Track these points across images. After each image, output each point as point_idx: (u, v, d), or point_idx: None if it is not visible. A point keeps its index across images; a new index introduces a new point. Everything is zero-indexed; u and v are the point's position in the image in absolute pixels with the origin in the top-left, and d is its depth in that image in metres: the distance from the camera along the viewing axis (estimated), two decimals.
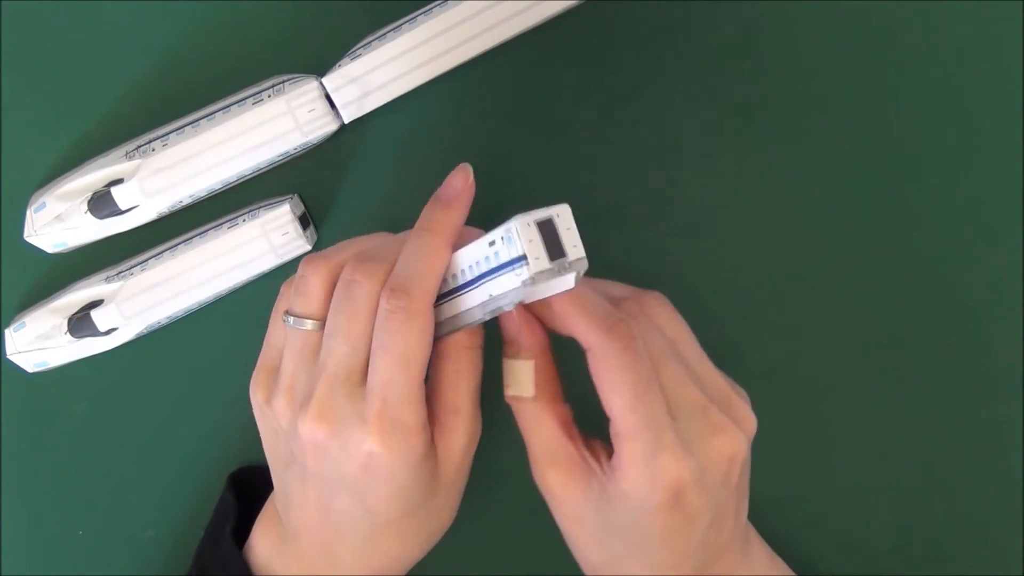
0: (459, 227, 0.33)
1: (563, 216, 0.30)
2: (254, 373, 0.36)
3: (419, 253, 0.32)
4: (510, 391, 0.34)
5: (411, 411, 0.32)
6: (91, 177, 0.41)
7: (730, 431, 0.32)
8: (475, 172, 0.42)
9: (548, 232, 0.30)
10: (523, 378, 0.33)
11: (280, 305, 0.36)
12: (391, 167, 0.42)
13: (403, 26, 0.39)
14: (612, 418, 0.32)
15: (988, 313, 0.41)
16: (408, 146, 0.42)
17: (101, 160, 0.41)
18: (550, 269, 0.29)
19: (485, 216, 0.42)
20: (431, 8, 0.39)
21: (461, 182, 0.34)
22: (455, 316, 0.33)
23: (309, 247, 0.41)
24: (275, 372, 0.36)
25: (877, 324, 0.41)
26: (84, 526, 0.44)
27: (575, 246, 0.30)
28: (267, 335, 0.37)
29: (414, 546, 0.37)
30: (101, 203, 0.41)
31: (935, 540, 0.41)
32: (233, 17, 0.42)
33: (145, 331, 0.42)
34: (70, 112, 0.42)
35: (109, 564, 0.43)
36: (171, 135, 0.40)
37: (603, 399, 0.32)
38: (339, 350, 0.33)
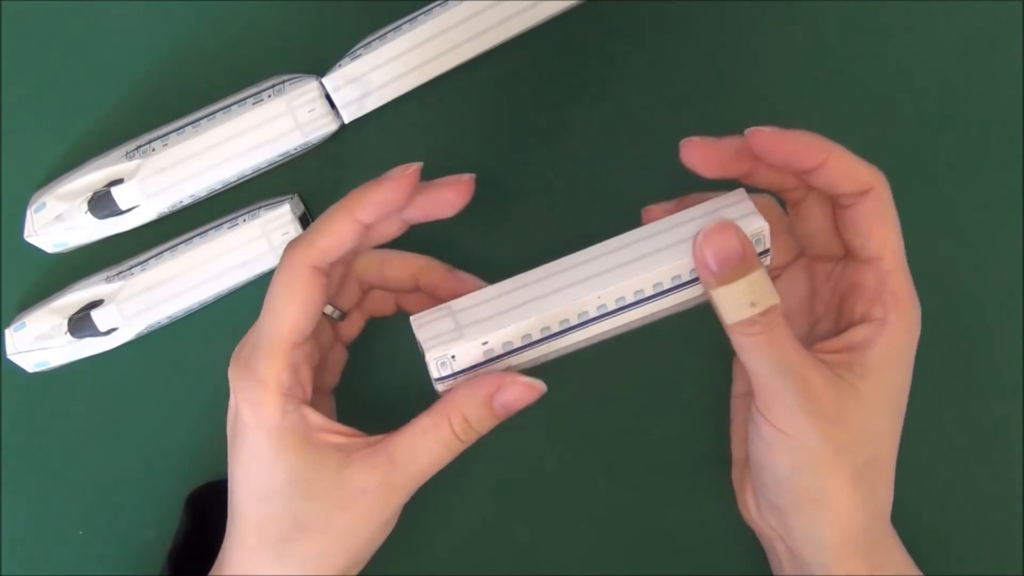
0: (376, 210, 0.32)
1: (428, 356, 0.32)
2: None
3: (323, 217, 0.32)
4: (757, 306, 0.30)
5: (267, 364, 0.31)
6: (91, 177, 0.41)
7: None
8: (473, 172, 0.42)
9: (421, 353, 0.32)
10: (767, 285, 0.30)
11: None
12: (391, 167, 0.42)
13: (403, 26, 0.39)
14: (886, 256, 0.32)
15: (988, 313, 0.41)
16: (408, 146, 0.42)
17: (101, 160, 0.41)
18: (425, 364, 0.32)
19: (485, 215, 0.42)
20: (431, 8, 0.39)
21: (399, 172, 0.33)
22: (618, 328, 0.33)
23: None
24: None
25: None
26: (84, 526, 0.44)
27: (435, 379, 0.32)
28: None
29: (270, 559, 0.33)
30: (101, 203, 0.41)
31: (935, 540, 0.41)
32: (233, 17, 0.42)
33: (145, 331, 0.42)
34: (70, 112, 0.42)
35: (109, 564, 0.43)
36: (171, 135, 0.40)
37: (880, 238, 0.32)
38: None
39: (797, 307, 0.36)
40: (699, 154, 0.33)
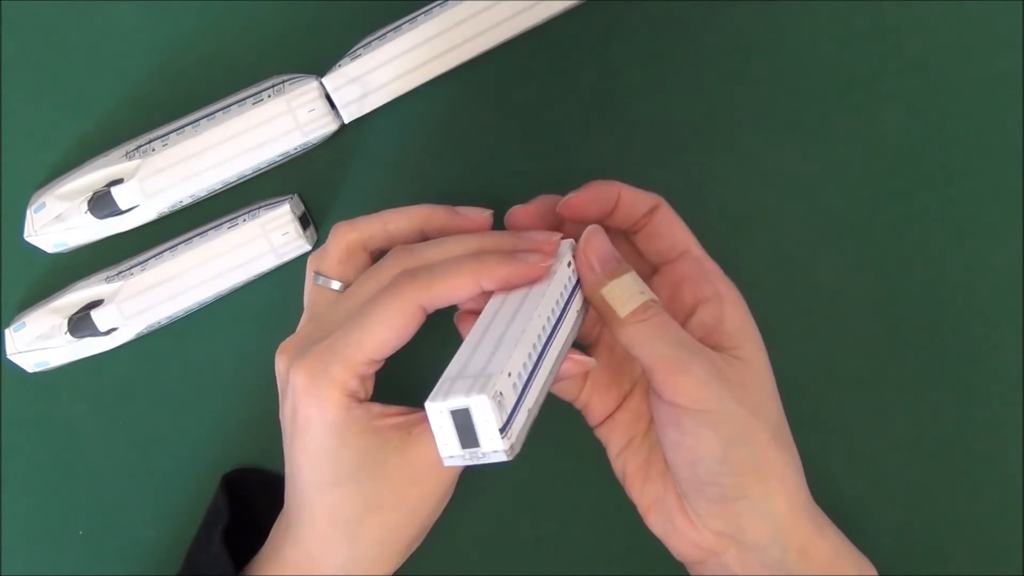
0: (501, 283, 0.33)
1: (479, 408, 0.28)
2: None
3: (450, 269, 0.33)
4: (646, 294, 0.33)
5: (343, 370, 0.33)
6: (91, 177, 0.41)
7: None
8: (474, 172, 0.42)
9: (463, 420, 0.28)
10: (633, 287, 0.33)
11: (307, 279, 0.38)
12: (391, 167, 0.42)
13: (403, 26, 0.39)
14: (690, 248, 0.36)
15: (988, 313, 0.41)
16: (408, 146, 0.42)
17: (101, 160, 0.41)
18: (462, 455, 0.28)
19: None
20: (431, 8, 0.39)
21: (537, 259, 0.33)
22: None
23: (309, 247, 0.41)
24: None
25: (877, 324, 0.41)
26: (84, 526, 0.44)
27: (491, 439, 0.28)
28: None
29: (345, 540, 0.34)
30: (101, 203, 0.41)
31: (935, 540, 0.41)
32: (233, 17, 0.42)
33: (145, 331, 0.42)
34: (70, 112, 0.42)
35: (109, 564, 0.43)
36: (171, 135, 0.40)
37: (678, 237, 0.36)
38: (339, 306, 0.35)
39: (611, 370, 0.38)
40: (520, 217, 0.37)
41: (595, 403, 0.38)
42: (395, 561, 0.36)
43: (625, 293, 0.33)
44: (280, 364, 0.35)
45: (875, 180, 0.41)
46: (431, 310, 0.33)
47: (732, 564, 0.34)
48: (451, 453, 0.29)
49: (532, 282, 0.33)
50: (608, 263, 0.33)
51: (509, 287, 0.33)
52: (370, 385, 0.35)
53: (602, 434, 0.38)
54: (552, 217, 0.37)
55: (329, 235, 0.36)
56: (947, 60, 0.41)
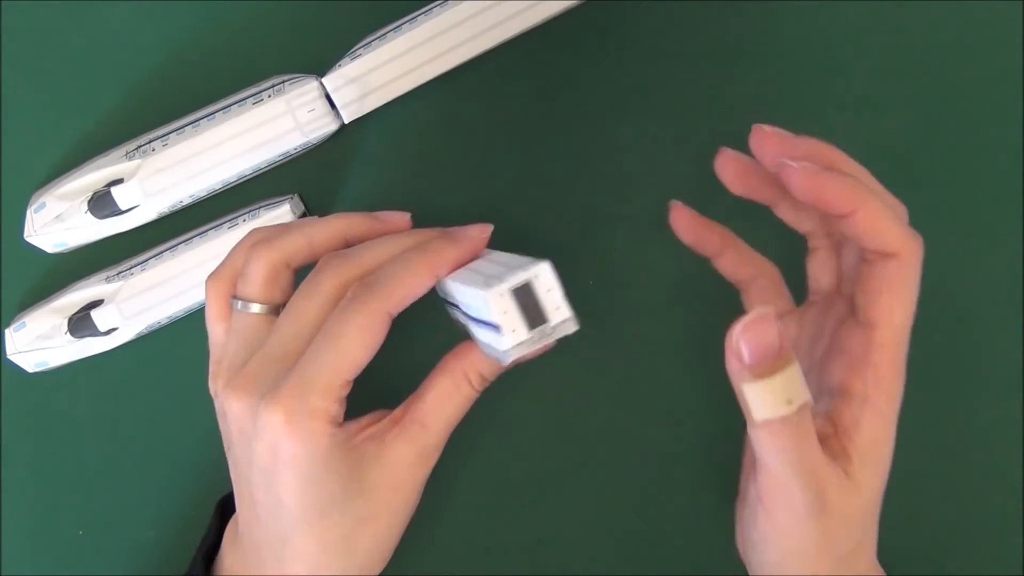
0: (452, 266, 0.33)
1: (543, 277, 0.27)
2: (210, 369, 0.36)
3: (404, 268, 0.33)
4: (793, 404, 0.28)
5: (323, 399, 0.32)
6: (91, 177, 0.41)
7: None
8: (474, 172, 0.42)
9: (526, 298, 0.27)
10: (795, 383, 0.28)
11: (207, 303, 0.36)
12: (391, 167, 0.42)
13: (403, 26, 0.39)
14: (884, 327, 0.30)
15: (988, 313, 0.41)
16: (408, 146, 0.42)
17: (101, 160, 0.41)
18: (530, 339, 0.27)
19: (484, 215, 0.42)
20: (431, 8, 0.39)
21: (477, 231, 0.34)
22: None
23: None
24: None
25: None
26: (84, 526, 0.44)
27: (558, 308, 0.27)
28: (209, 336, 0.37)
29: (337, 559, 0.34)
30: (101, 203, 0.41)
31: (935, 540, 0.41)
32: (233, 17, 0.42)
33: (145, 331, 0.42)
34: (70, 112, 0.42)
35: (109, 564, 0.43)
36: (171, 135, 0.40)
37: (886, 307, 0.30)
38: (285, 330, 0.33)
39: (803, 347, 0.35)
40: (733, 170, 0.33)
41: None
42: (384, 562, 0.36)
43: (770, 397, 0.28)
44: (235, 403, 0.33)
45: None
46: (396, 314, 0.33)
47: None
48: (518, 340, 0.27)
49: (470, 258, 0.33)
50: (762, 362, 0.28)
51: (455, 268, 0.33)
52: (344, 403, 0.34)
53: None
54: (768, 187, 0.33)
55: (248, 256, 0.35)
56: (947, 60, 0.41)
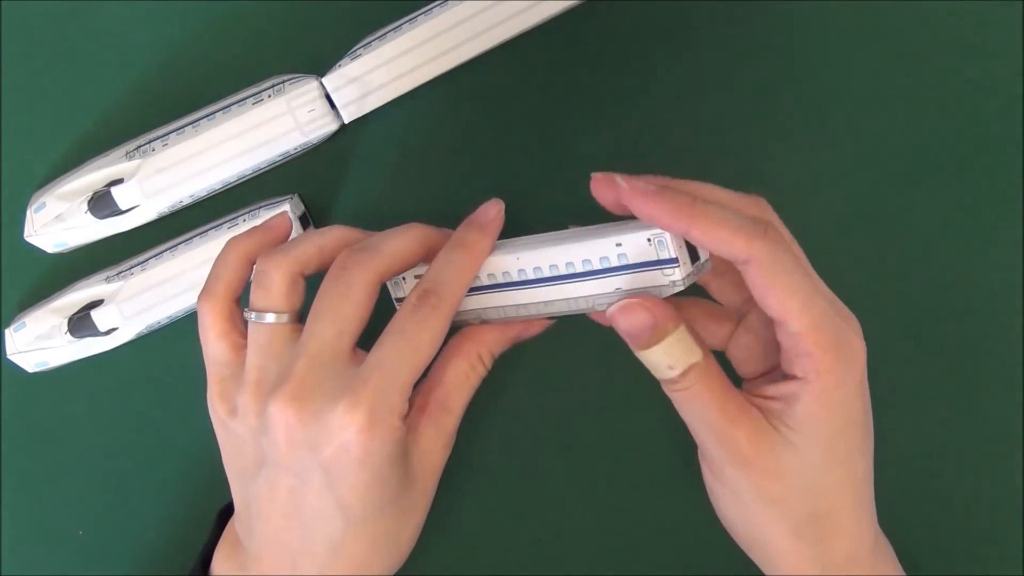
0: (487, 252, 0.34)
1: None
2: (208, 390, 0.36)
3: (453, 265, 0.34)
4: (675, 368, 0.31)
5: (402, 397, 0.33)
6: (91, 177, 0.41)
7: (860, 337, 0.32)
8: (474, 172, 0.42)
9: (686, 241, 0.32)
10: (683, 346, 0.31)
11: (205, 323, 0.36)
12: (391, 167, 0.42)
13: (403, 26, 0.39)
14: (789, 320, 0.30)
15: (988, 313, 0.41)
16: (408, 146, 0.42)
17: (101, 160, 0.41)
18: (693, 271, 0.32)
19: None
20: (431, 8, 0.39)
21: (495, 211, 0.35)
22: (524, 305, 0.35)
23: None
24: (233, 380, 0.35)
25: (876, 324, 0.41)
26: (84, 526, 0.44)
27: (702, 249, 0.32)
28: (205, 354, 0.36)
29: (384, 555, 0.35)
30: (101, 203, 0.41)
31: (935, 540, 0.41)
32: (233, 17, 0.42)
33: (145, 331, 0.42)
34: (70, 112, 0.42)
35: (109, 564, 0.43)
36: (171, 135, 0.40)
37: (775, 305, 0.30)
38: (326, 331, 0.33)
39: (745, 349, 0.35)
40: (601, 193, 0.33)
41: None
42: (412, 547, 0.36)
43: (656, 363, 0.31)
44: (292, 413, 0.32)
45: (875, 180, 0.41)
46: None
47: None
48: (688, 271, 0.31)
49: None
50: (639, 336, 0.31)
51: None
52: None
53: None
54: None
55: (266, 269, 0.34)
56: (947, 60, 0.41)
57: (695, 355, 0.31)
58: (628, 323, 0.31)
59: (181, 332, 0.43)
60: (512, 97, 0.42)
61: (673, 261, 0.31)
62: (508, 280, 0.34)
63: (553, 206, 0.42)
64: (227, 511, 0.39)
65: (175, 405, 0.43)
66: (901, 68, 0.41)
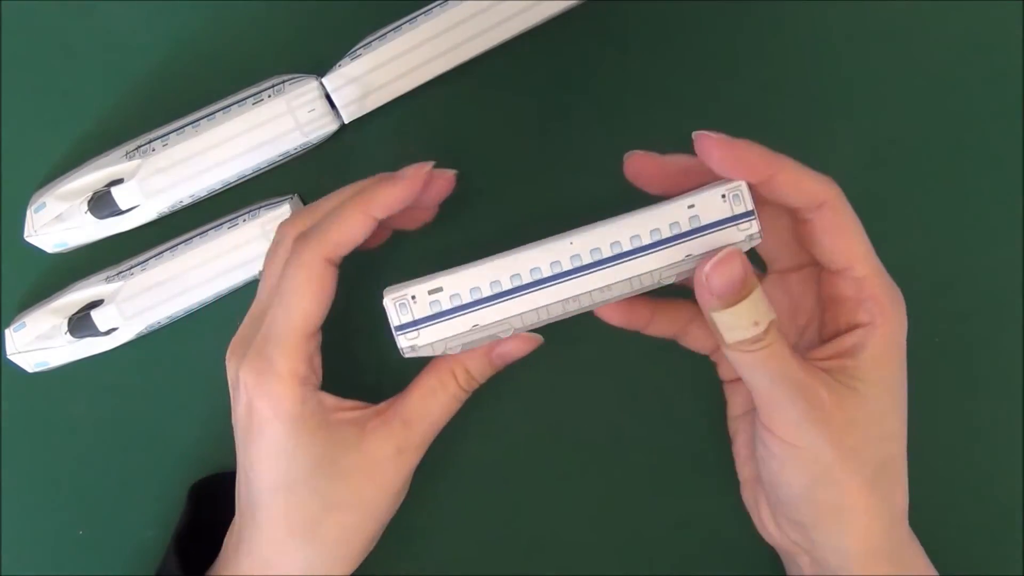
0: (390, 207, 0.33)
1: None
2: None
3: (338, 213, 0.33)
4: (760, 324, 0.30)
5: (283, 356, 0.32)
6: (91, 177, 0.41)
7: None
8: (475, 172, 0.42)
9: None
10: (765, 302, 0.31)
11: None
12: (391, 167, 0.42)
13: (403, 26, 0.39)
14: (855, 265, 0.32)
15: (988, 313, 0.41)
16: (408, 146, 0.42)
17: (101, 160, 0.41)
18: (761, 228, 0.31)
19: (485, 215, 0.42)
20: (431, 8, 0.39)
21: (413, 171, 0.34)
22: (575, 297, 0.32)
23: None
24: None
25: None
26: (84, 526, 0.44)
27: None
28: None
29: (303, 545, 0.33)
30: (101, 203, 0.41)
31: (935, 540, 0.41)
32: (233, 17, 0.42)
33: (145, 331, 0.42)
34: (70, 112, 0.42)
35: (109, 564, 0.43)
36: (171, 135, 0.40)
37: (845, 248, 0.32)
38: (260, 290, 0.34)
39: (782, 321, 0.36)
40: (640, 169, 0.34)
41: (727, 362, 0.36)
42: (354, 561, 0.35)
43: (738, 322, 0.30)
44: (230, 368, 0.34)
45: (875, 180, 0.41)
46: (338, 260, 0.33)
47: (804, 567, 0.35)
48: (760, 227, 0.31)
49: (411, 197, 0.33)
50: (731, 290, 0.30)
51: (396, 209, 0.33)
52: (318, 363, 0.34)
53: (728, 392, 0.38)
54: (684, 177, 0.33)
55: (279, 232, 0.35)
56: (947, 60, 0.41)
57: (773, 311, 0.31)
58: (725, 276, 0.30)
59: (181, 332, 0.43)
60: (512, 97, 0.42)
61: (750, 214, 0.31)
62: (558, 271, 0.32)
63: (553, 206, 0.42)
64: (200, 485, 0.40)
65: (175, 405, 0.43)
66: (901, 68, 0.41)
